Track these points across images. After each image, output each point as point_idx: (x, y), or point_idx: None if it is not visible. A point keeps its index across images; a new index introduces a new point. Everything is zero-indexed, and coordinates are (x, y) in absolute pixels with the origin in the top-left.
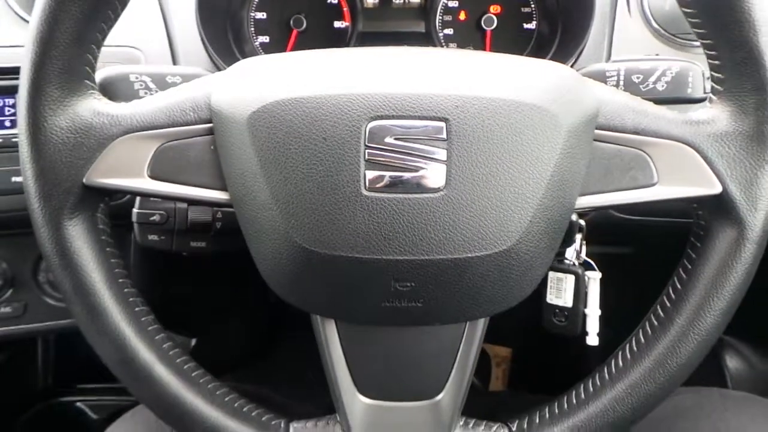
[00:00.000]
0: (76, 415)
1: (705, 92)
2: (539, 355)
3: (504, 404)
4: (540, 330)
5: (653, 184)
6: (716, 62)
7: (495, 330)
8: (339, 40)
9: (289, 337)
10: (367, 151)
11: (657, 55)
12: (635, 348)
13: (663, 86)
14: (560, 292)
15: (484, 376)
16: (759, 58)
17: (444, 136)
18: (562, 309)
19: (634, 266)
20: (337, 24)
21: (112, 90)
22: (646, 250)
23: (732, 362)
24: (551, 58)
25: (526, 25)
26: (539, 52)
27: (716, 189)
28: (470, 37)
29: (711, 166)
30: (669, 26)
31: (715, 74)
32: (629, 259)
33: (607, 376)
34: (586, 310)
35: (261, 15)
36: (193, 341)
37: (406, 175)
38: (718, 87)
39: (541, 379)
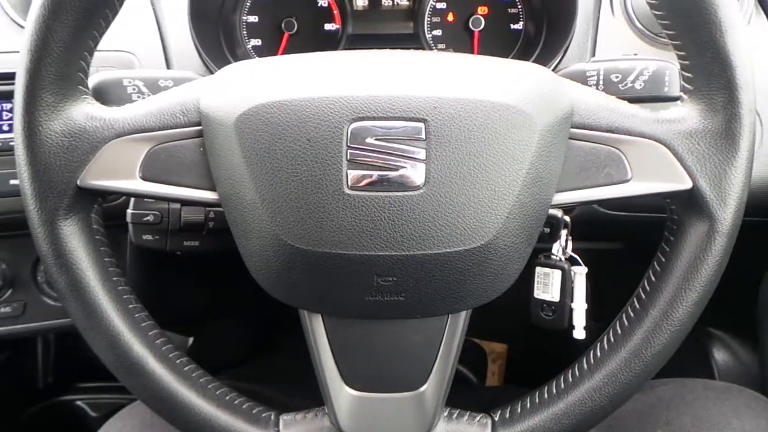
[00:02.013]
0: (76, 413)
1: (681, 90)
2: (535, 350)
3: (497, 399)
4: (535, 326)
5: (627, 181)
6: (686, 62)
7: (491, 326)
8: (329, 42)
9: (285, 338)
10: (349, 151)
11: (636, 54)
12: (612, 339)
13: (641, 85)
14: (547, 287)
15: (480, 371)
16: (726, 57)
17: (423, 136)
18: (550, 303)
19: (624, 262)
20: (327, 27)
21: (105, 94)
22: (635, 245)
23: (719, 355)
24: (537, 58)
25: (513, 26)
26: (526, 52)
27: (687, 184)
28: (458, 38)
29: (682, 162)
30: (652, 26)
31: (686, 74)
32: (619, 255)
33: (585, 366)
34: (573, 305)
35: (253, 18)
36: (190, 340)
37: (387, 174)
38: (689, 86)
39: (536, 374)
